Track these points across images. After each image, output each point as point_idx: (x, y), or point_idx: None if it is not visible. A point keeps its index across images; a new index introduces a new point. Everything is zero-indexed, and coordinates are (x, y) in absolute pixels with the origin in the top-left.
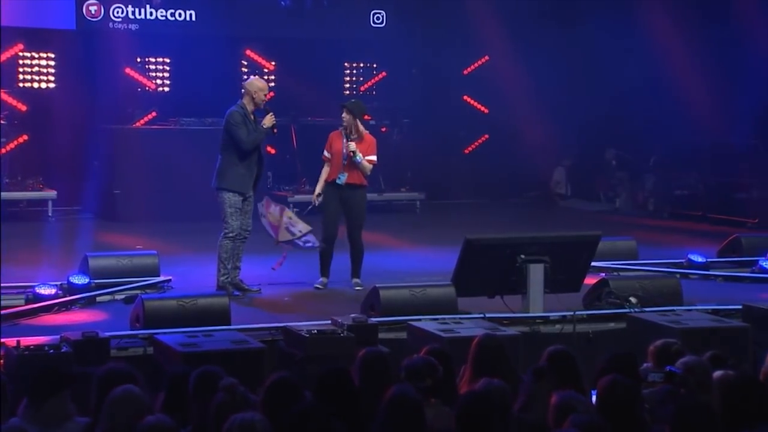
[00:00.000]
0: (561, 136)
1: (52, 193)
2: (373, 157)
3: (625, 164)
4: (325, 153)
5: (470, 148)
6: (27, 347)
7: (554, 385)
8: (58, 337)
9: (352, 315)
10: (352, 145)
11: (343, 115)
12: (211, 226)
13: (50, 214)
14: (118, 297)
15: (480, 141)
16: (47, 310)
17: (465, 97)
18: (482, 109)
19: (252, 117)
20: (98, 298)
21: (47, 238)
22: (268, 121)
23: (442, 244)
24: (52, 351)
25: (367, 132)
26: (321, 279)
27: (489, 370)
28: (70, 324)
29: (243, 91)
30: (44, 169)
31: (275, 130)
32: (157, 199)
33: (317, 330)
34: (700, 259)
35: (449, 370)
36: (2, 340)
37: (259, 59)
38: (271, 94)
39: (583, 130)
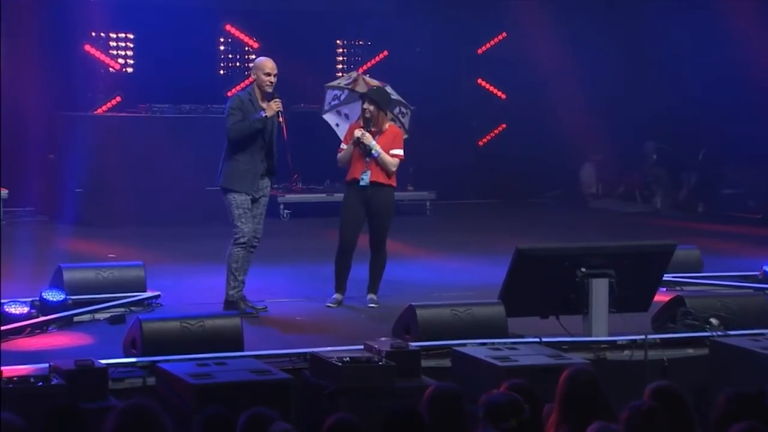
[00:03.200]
0: (590, 126)
1: (2, 192)
2: (399, 151)
3: (667, 159)
4: (342, 146)
5: (485, 140)
6: (10, 379)
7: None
8: (46, 366)
9: (388, 339)
10: (360, 133)
11: (366, 105)
12: (195, 231)
13: (0, 217)
14: (100, 316)
15: (496, 131)
16: (18, 332)
17: (479, 81)
18: (499, 94)
19: (264, 105)
20: (76, 318)
21: (2, 245)
22: (270, 108)
23: (463, 252)
24: (41, 383)
25: (392, 123)
26: (335, 295)
27: (582, 410)
28: (50, 349)
29: (246, 73)
30: None
31: (281, 119)
32: (127, 199)
33: (350, 358)
34: None
35: (536, 409)
36: None
37: (242, 36)
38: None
39: (618, 120)
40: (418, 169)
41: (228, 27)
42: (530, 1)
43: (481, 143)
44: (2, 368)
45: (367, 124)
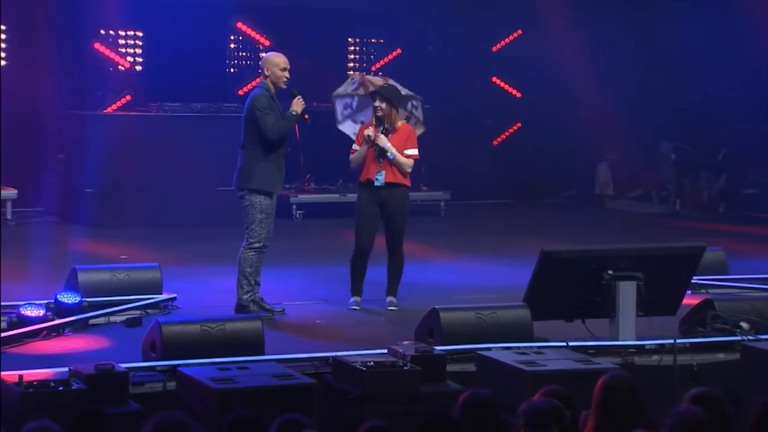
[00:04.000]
0: (606, 125)
1: (11, 192)
2: (414, 151)
3: (686, 159)
4: (354, 146)
5: (499, 139)
6: (30, 383)
7: None
8: (66, 370)
9: (412, 343)
10: (372, 131)
11: (378, 103)
12: (206, 231)
13: (9, 217)
14: (116, 319)
15: (511, 130)
16: (34, 335)
17: (494, 79)
18: (514, 92)
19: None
20: (91, 320)
21: (12, 246)
22: (297, 105)
23: (480, 254)
24: (61, 388)
25: (404, 121)
26: (354, 298)
27: (620, 418)
28: (67, 353)
29: (260, 70)
30: None
31: (307, 116)
32: (138, 199)
33: (374, 362)
34: None
35: (574, 416)
36: (1, 374)
37: (253, 33)
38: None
39: (635, 120)
40: (432, 168)
41: (239, 24)
42: None
43: (495, 143)
44: (23, 372)
45: (380, 122)
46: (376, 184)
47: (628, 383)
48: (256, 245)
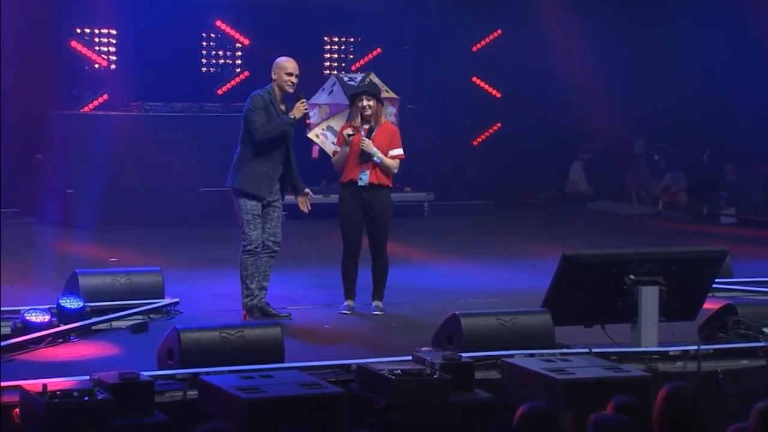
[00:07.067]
0: (586, 124)
1: None
2: (399, 151)
3: (669, 159)
4: (336, 148)
5: (479, 140)
6: (54, 393)
7: None
8: (87, 378)
9: (435, 350)
10: (358, 138)
11: (366, 102)
12: (191, 233)
13: None
14: (120, 324)
15: (491, 131)
16: (38, 341)
17: (473, 79)
18: (494, 92)
19: (283, 106)
20: (94, 326)
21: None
22: (298, 110)
23: (471, 257)
24: (86, 398)
25: (387, 120)
26: (346, 302)
27: (682, 429)
28: (77, 360)
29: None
30: None
31: (308, 122)
32: (121, 200)
33: (401, 370)
34: None
35: (646, 429)
36: (22, 383)
37: (232, 32)
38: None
39: (618, 119)
40: (411, 169)
41: (218, 23)
42: None
43: (475, 143)
44: (47, 381)
45: (366, 121)
46: (360, 183)
47: (691, 394)
48: (248, 248)
